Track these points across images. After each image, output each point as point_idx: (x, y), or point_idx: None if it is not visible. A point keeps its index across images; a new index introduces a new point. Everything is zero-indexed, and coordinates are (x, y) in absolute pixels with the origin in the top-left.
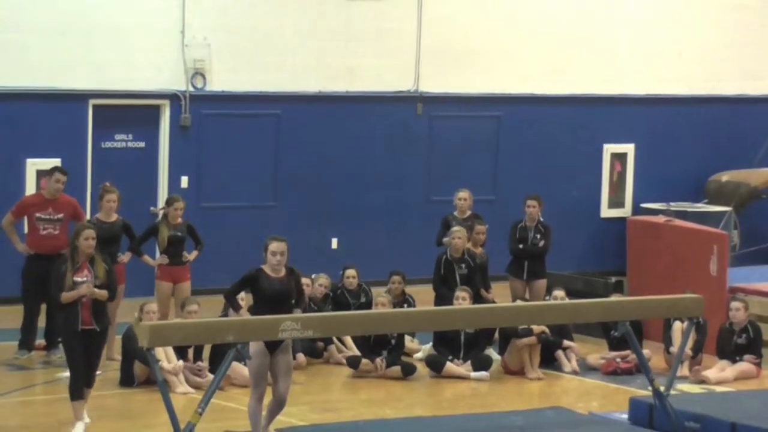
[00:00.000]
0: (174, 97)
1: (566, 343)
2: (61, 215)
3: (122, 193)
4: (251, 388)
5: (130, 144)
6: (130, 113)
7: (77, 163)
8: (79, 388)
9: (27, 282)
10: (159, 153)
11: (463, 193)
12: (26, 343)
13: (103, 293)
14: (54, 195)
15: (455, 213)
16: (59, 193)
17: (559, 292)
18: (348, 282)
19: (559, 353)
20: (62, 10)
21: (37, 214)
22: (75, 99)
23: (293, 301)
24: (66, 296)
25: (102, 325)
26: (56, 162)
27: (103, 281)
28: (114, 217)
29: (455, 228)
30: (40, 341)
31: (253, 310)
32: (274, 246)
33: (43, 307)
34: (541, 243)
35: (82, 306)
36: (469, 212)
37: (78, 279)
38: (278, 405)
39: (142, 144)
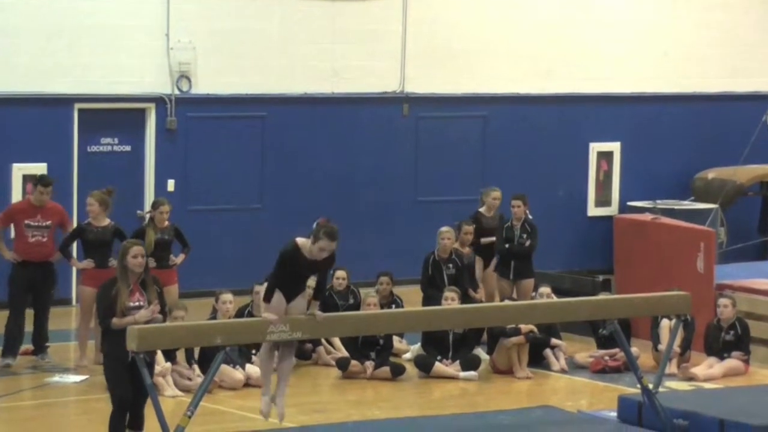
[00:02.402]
0: (159, 101)
1: (554, 341)
2: (49, 222)
3: (109, 199)
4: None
5: (116, 148)
6: (115, 117)
7: (63, 167)
8: (120, 424)
9: (14, 289)
10: (145, 156)
11: (499, 192)
12: (11, 349)
13: (159, 319)
14: (41, 203)
15: (482, 209)
16: (47, 201)
17: (545, 289)
18: (337, 283)
19: (548, 352)
20: (46, 15)
21: (26, 221)
22: (60, 103)
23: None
24: (119, 322)
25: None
26: (42, 167)
27: (157, 313)
28: (105, 221)
29: (444, 228)
30: (27, 346)
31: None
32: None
33: (30, 312)
34: (528, 242)
35: None
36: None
37: (131, 304)
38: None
39: (128, 148)
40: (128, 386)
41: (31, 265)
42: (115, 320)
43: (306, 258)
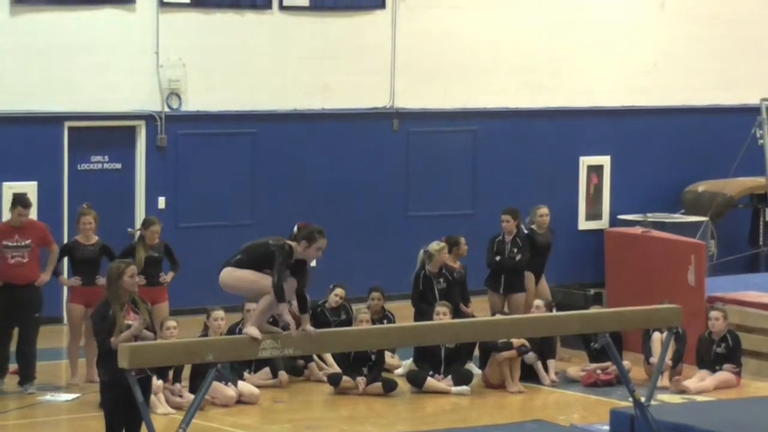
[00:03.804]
0: (150, 118)
1: (529, 356)
2: (28, 241)
3: (99, 215)
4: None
5: (106, 165)
6: (105, 135)
7: (53, 185)
8: None
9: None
10: (135, 174)
11: (544, 209)
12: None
13: (150, 335)
14: (20, 223)
15: (533, 227)
16: (25, 221)
17: (539, 302)
18: (333, 300)
19: (538, 365)
20: (37, 33)
21: (4, 242)
22: (50, 121)
23: None
24: (116, 341)
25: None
26: (32, 185)
27: (148, 323)
28: (93, 239)
29: (436, 244)
30: (13, 365)
31: None
32: None
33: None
34: (518, 257)
35: None
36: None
37: (128, 323)
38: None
39: (118, 165)
40: (124, 416)
41: (13, 288)
42: (113, 340)
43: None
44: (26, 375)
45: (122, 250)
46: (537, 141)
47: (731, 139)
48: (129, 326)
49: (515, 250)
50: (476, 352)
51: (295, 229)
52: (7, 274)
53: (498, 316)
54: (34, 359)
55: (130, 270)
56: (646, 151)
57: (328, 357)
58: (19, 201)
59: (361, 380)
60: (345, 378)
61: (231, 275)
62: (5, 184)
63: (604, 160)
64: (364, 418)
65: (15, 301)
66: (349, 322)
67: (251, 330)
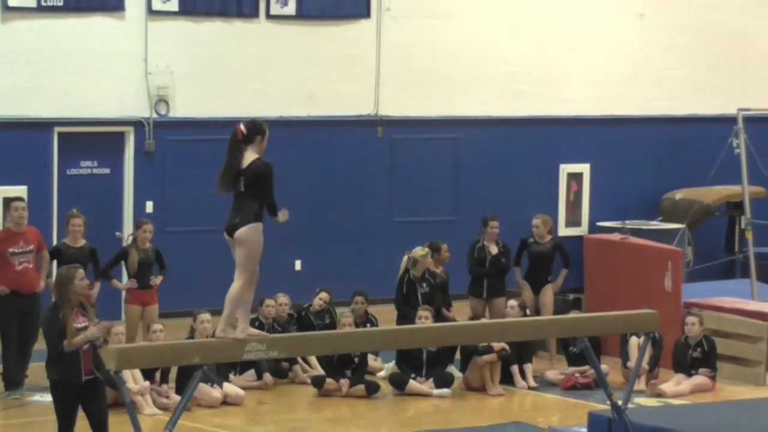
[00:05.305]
0: (138, 124)
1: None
2: (32, 246)
3: (88, 219)
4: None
5: (95, 170)
6: (95, 140)
7: (43, 190)
8: None
9: (4, 322)
10: (124, 179)
11: (536, 219)
12: (18, 382)
13: (101, 339)
14: (20, 227)
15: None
16: (25, 224)
17: (512, 302)
18: (318, 304)
19: (514, 369)
20: (26, 39)
21: (11, 249)
22: (40, 127)
23: None
24: (72, 342)
25: (102, 374)
26: (22, 190)
27: (103, 329)
28: (81, 242)
29: (420, 249)
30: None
31: None
32: None
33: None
34: (502, 261)
35: (83, 354)
36: (549, 237)
37: (78, 326)
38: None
39: (107, 170)
40: (75, 412)
41: (21, 295)
42: (66, 342)
43: None
44: (13, 382)
45: (115, 253)
46: (518, 149)
47: (708, 148)
48: (78, 329)
49: (498, 255)
50: (458, 356)
51: (241, 133)
52: (15, 282)
53: (480, 320)
54: (26, 368)
55: (79, 274)
56: (625, 159)
57: (313, 359)
58: (15, 197)
59: (344, 382)
60: (329, 380)
61: (255, 235)
62: None
63: (584, 168)
64: (347, 419)
65: (20, 310)
66: (333, 325)
67: (230, 332)
